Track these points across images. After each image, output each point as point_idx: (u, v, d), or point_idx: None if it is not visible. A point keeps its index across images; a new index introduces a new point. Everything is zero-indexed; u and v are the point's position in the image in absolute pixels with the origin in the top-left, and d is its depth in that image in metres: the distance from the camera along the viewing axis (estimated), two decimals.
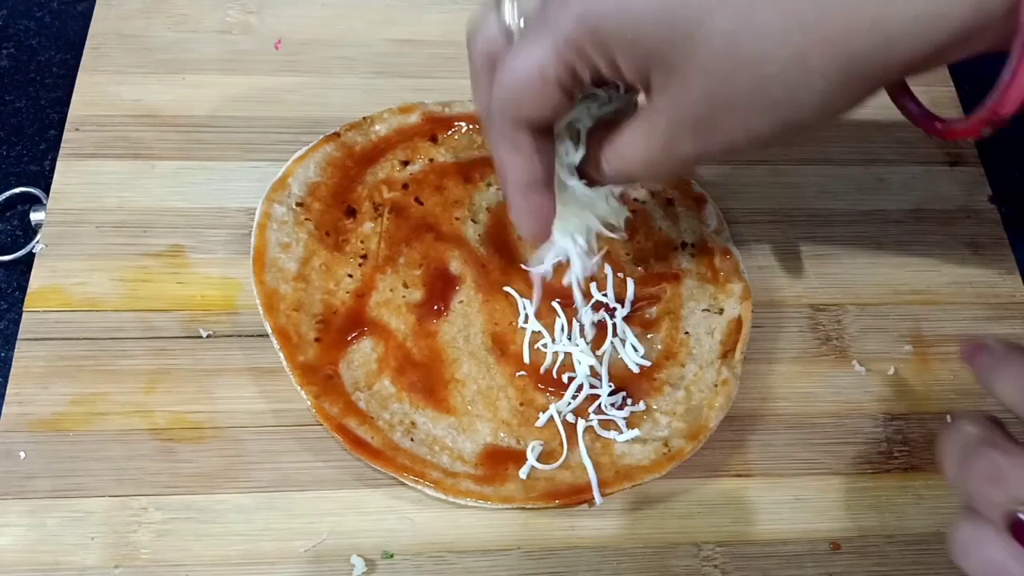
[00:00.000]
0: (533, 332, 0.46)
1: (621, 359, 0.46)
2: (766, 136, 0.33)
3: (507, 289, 0.47)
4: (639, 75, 0.33)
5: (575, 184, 0.39)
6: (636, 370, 0.45)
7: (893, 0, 0.29)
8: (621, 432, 0.43)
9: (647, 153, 0.35)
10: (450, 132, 0.52)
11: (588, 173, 0.39)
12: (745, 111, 0.32)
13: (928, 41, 0.29)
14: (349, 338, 0.45)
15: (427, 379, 0.44)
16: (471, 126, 0.52)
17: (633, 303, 0.47)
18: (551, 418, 0.43)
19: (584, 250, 0.42)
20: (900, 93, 0.39)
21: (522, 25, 0.35)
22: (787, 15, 0.29)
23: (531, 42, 0.34)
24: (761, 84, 0.31)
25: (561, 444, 0.43)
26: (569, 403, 0.44)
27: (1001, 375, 0.33)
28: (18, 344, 0.44)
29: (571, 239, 0.41)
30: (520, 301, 0.46)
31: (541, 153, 0.37)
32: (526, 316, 0.46)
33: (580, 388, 0.44)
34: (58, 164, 0.49)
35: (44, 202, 0.49)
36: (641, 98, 0.35)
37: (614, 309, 0.47)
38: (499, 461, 0.42)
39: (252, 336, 0.45)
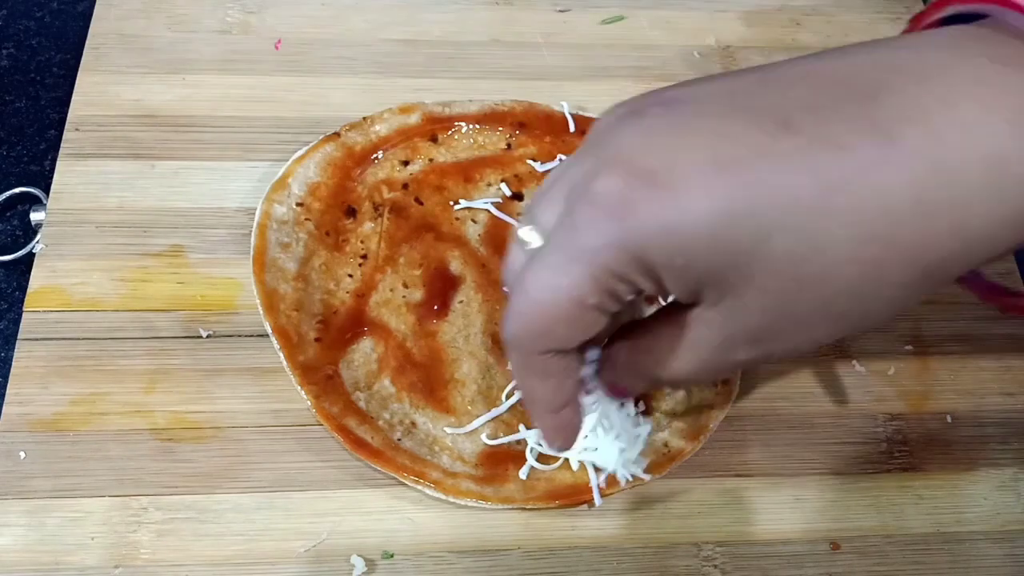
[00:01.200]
0: None
1: None
2: (828, 340, 0.31)
3: (507, 289, 0.47)
4: (688, 292, 0.30)
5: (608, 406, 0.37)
6: None
7: (970, 207, 0.27)
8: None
9: (694, 364, 0.32)
10: (450, 132, 0.52)
11: (610, 381, 0.36)
12: (809, 324, 0.30)
13: (1006, 241, 0.28)
14: (349, 338, 0.45)
15: (427, 379, 0.44)
16: (471, 126, 0.52)
17: None
18: None
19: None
20: (967, 277, 0.38)
21: (536, 243, 0.31)
22: (856, 232, 0.27)
23: (558, 268, 0.29)
24: (828, 300, 0.29)
25: None
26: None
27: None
28: (18, 344, 0.44)
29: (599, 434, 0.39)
30: None
31: (572, 372, 0.34)
32: None
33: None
34: (58, 164, 0.49)
35: (44, 202, 0.49)
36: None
37: None
38: (499, 461, 0.43)
39: (252, 336, 0.45)
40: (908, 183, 0.26)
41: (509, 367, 0.45)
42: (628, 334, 0.34)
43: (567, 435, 0.36)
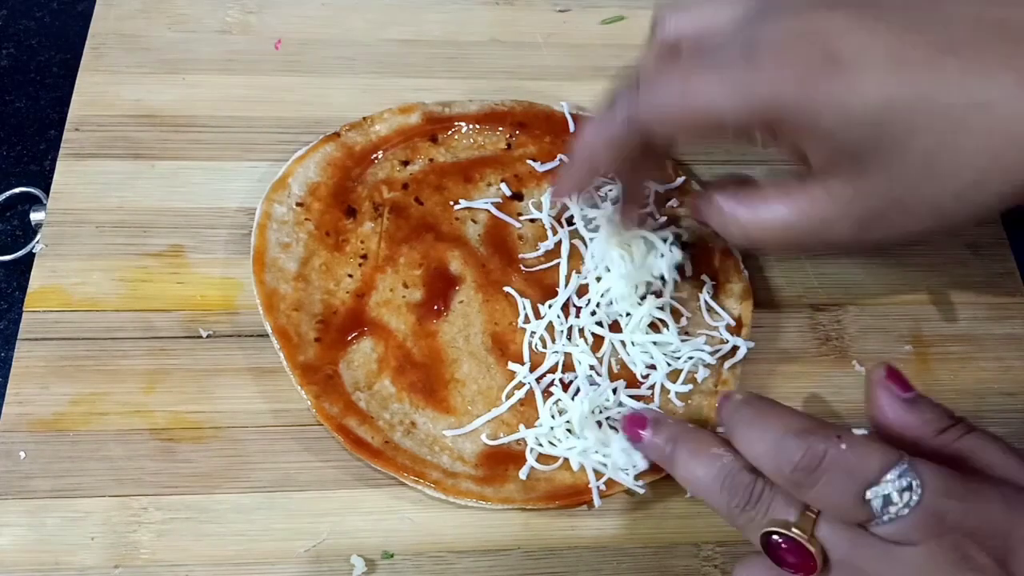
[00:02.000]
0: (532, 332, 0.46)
1: (621, 359, 0.46)
2: (916, 235, 0.36)
3: (507, 289, 0.47)
4: (826, 160, 0.35)
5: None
6: (642, 371, 0.45)
7: None
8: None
9: (790, 225, 0.37)
10: (450, 132, 0.52)
11: (702, 215, 0.41)
12: (915, 214, 0.35)
13: None
14: (349, 338, 0.45)
15: (427, 379, 0.44)
16: (471, 126, 0.52)
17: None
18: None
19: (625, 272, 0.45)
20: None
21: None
22: (982, 145, 0.32)
23: (725, 84, 0.34)
24: (940, 196, 0.34)
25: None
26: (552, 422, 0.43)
27: (740, 430, 0.35)
28: (18, 344, 0.44)
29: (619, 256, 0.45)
30: (520, 301, 0.46)
31: (622, 152, 0.38)
32: (526, 316, 0.46)
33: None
34: (58, 164, 0.49)
35: (44, 202, 0.49)
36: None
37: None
38: (499, 461, 0.43)
39: (252, 336, 0.45)
40: None
41: (509, 367, 0.45)
42: (733, 186, 0.39)
43: (571, 185, 0.43)
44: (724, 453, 0.36)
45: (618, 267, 0.45)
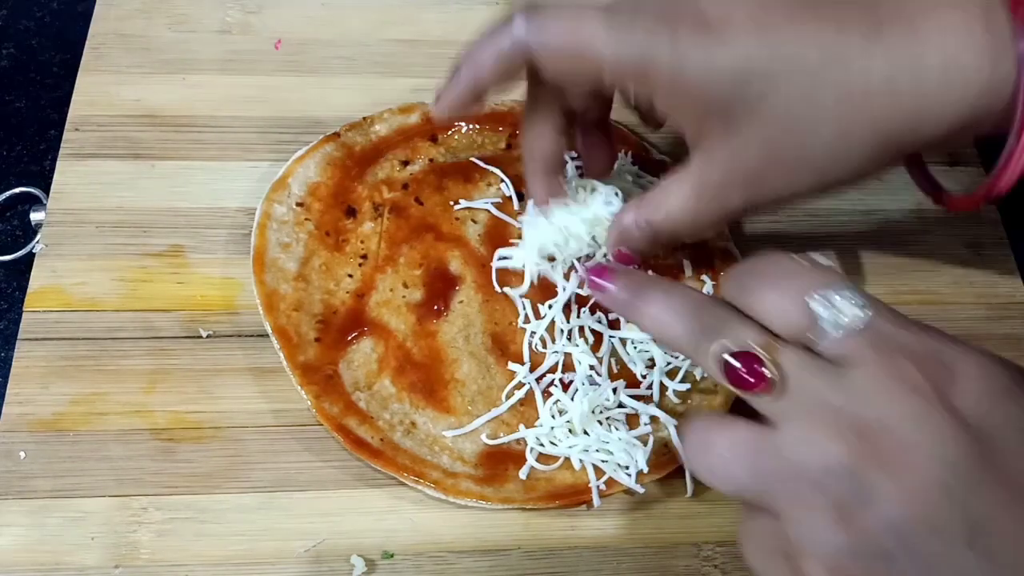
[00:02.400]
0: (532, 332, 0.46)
1: (621, 358, 0.46)
2: (805, 191, 0.38)
3: (507, 290, 0.47)
4: (698, 120, 0.37)
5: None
6: (642, 371, 0.45)
7: (925, 90, 0.34)
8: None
9: (693, 206, 0.39)
10: (450, 132, 0.52)
11: (616, 245, 0.42)
12: (794, 171, 0.37)
13: (948, 124, 0.35)
14: (349, 338, 0.45)
15: (427, 379, 0.44)
16: (471, 126, 0.52)
17: None
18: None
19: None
20: (914, 166, 0.44)
21: None
22: (841, 95, 0.35)
23: (612, 30, 0.36)
24: (808, 150, 0.36)
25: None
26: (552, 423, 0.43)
27: (643, 305, 0.34)
28: (18, 344, 0.44)
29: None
30: (520, 301, 0.46)
31: (507, 73, 0.39)
32: (526, 316, 0.46)
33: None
34: (58, 164, 0.49)
35: (44, 202, 0.49)
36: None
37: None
38: (499, 461, 0.43)
39: (252, 336, 0.45)
40: (886, 68, 0.34)
41: (509, 367, 0.45)
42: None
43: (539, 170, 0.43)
44: (687, 288, 0.36)
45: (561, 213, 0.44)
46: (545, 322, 0.46)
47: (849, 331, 0.29)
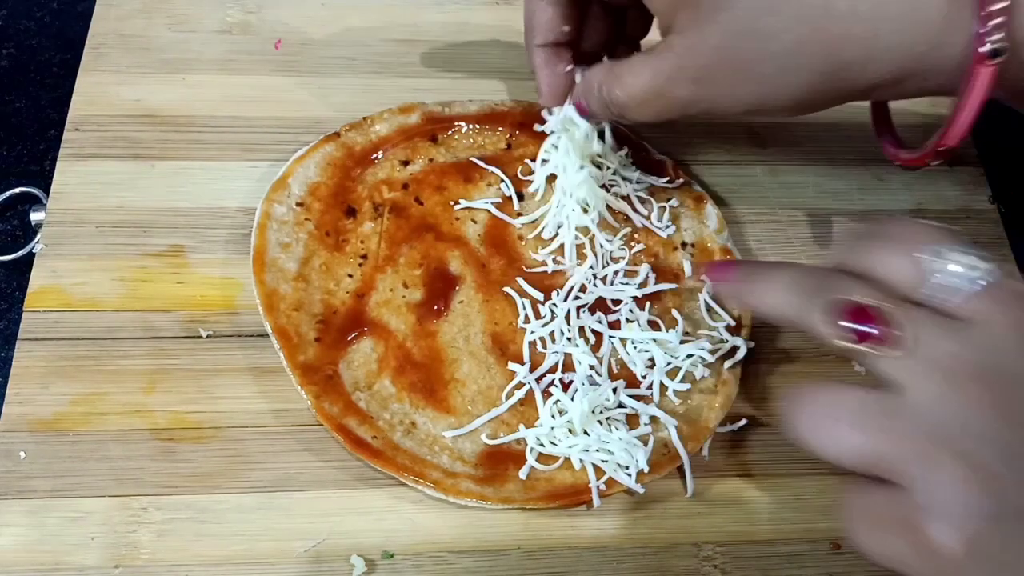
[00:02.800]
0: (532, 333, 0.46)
1: (621, 358, 0.46)
2: (745, 105, 0.39)
3: (507, 289, 0.47)
4: (667, 9, 0.38)
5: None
6: (642, 371, 0.45)
7: (880, 26, 0.35)
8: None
9: (646, 86, 0.39)
10: (450, 132, 0.52)
11: (579, 99, 0.45)
12: (741, 75, 0.37)
13: (898, 65, 0.36)
14: (349, 338, 0.45)
15: (427, 379, 0.44)
16: (471, 126, 0.52)
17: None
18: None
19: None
20: (881, 124, 0.45)
21: None
22: (805, 7, 0.35)
23: None
24: (761, 57, 0.36)
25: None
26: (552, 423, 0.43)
27: (763, 288, 0.34)
28: (18, 344, 0.44)
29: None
30: (520, 301, 0.46)
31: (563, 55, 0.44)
32: (526, 316, 0.46)
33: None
34: (58, 164, 0.49)
35: (44, 202, 0.49)
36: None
37: (618, 305, 0.46)
38: (499, 461, 0.43)
39: (252, 336, 0.45)
40: None
41: (509, 367, 0.45)
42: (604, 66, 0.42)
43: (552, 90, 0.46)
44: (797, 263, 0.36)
45: (564, 144, 0.48)
46: (545, 321, 0.46)
47: (970, 286, 0.27)
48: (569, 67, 0.45)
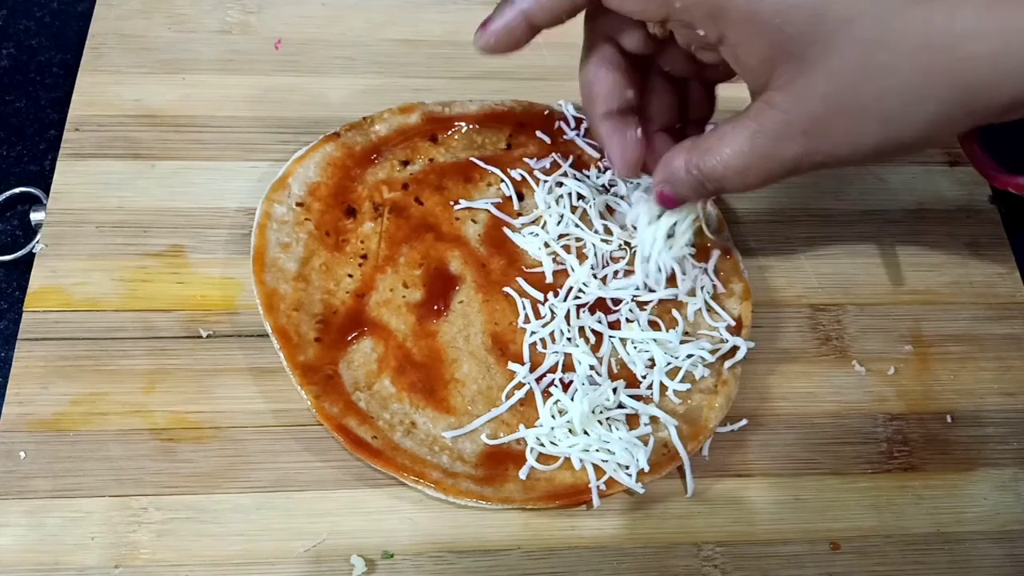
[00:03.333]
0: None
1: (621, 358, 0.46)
2: (868, 149, 0.35)
3: (507, 289, 0.47)
4: (764, 63, 0.35)
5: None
6: (642, 371, 0.45)
7: (1011, 40, 0.32)
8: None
9: (747, 150, 0.36)
10: (450, 132, 0.52)
11: (662, 184, 0.40)
12: (860, 120, 0.34)
13: (1018, 94, 0.33)
14: (349, 338, 0.45)
15: (427, 379, 0.44)
16: (471, 126, 0.52)
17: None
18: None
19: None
20: (971, 143, 0.43)
21: None
22: (921, 36, 0.32)
23: None
24: (882, 95, 0.33)
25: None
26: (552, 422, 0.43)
27: None
28: (18, 344, 0.44)
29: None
30: (520, 301, 0.46)
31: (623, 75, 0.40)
32: (526, 316, 0.46)
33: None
34: (58, 164, 0.49)
35: (44, 202, 0.49)
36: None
37: (618, 305, 0.46)
38: (499, 461, 0.43)
39: (252, 336, 0.45)
40: (973, 16, 0.32)
41: (509, 367, 0.45)
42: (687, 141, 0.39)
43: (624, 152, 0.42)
44: None
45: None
46: (545, 321, 0.46)
47: None
48: (639, 131, 0.42)
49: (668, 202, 0.41)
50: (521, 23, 0.38)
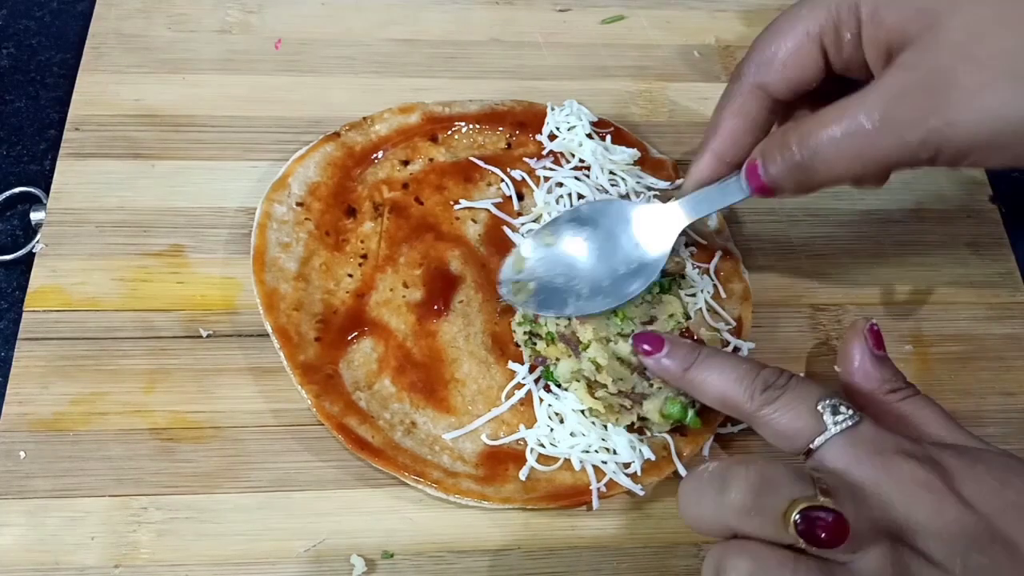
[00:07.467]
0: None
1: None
2: (991, 118, 0.33)
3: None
4: (900, 24, 0.35)
5: None
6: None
7: None
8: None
9: (867, 130, 0.35)
10: (450, 132, 0.52)
11: (759, 169, 0.40)
12: (988, 69, 0.32)
13: None
14: (349, 338, 0.45)
15: (427, 379, 0.44)
16: (471, 126, 0.52)
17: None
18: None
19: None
20: None
21: None
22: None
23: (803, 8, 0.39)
24: (1016, 50, 0.32)
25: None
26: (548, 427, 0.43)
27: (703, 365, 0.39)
28: (18, 344, 0.44)
29: None
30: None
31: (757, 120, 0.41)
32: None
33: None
34: (58, 164, 0.49)
35: (44, 202, 0.49)
36: None
37: None
38: (499, 462, 0.42)
39: (252, 336, 0.45)
40: None
41: (509, 366, 0.45)
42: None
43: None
44: (741, 360, 0.38)
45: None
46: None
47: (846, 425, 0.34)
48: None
49: (753, 179, 0.40)
50: (713, 160, 0.43)
